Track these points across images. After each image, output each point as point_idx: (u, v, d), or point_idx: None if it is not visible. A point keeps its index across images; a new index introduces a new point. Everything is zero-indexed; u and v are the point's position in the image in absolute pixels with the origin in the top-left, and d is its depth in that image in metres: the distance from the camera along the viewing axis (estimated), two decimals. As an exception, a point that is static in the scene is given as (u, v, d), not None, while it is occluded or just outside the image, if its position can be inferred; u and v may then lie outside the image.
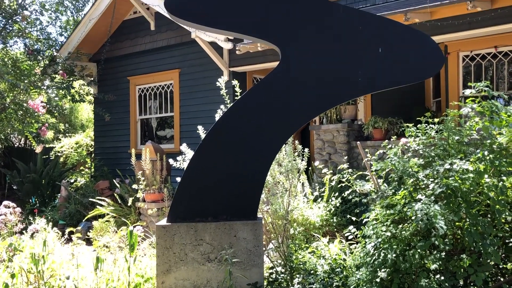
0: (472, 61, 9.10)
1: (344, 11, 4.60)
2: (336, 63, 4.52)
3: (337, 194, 7.40)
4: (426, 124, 4.29)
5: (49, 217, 10.70)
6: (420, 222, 3.49)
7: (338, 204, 7.05)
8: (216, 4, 4.46)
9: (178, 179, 4.64)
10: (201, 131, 6.00)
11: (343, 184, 6.74)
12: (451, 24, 8.00)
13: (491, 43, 8.71)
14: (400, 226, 3.87)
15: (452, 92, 9.12)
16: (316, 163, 7.86)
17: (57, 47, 14.17)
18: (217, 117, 5.68)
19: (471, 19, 7.84)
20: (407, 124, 4.45)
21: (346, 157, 8.13)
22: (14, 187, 13.75)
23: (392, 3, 10.10)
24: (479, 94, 4.39)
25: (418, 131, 4.26)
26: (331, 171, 7.73)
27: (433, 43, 4.59)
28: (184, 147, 5.96)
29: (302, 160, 6.10)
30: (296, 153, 6.12)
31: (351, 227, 5.21)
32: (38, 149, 12.38)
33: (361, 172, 6.41)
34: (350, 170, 6.10)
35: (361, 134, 9.27)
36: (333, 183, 7.63)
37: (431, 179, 3.80)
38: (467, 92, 3.60)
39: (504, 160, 3.46)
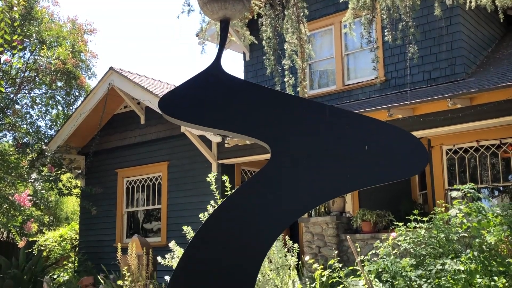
0: (455, 154, 9.31)
1: (331, 112, 4.76)
2: (324, 161, 4.60)
3: (328, 290, 7.25)
4: (415, 222, 4.33)
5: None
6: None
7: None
8: (208, 105, 4.60)
9: (166, 276, 4.53)
10: (188, 231, 5.90)
11: (334, 280, 6.63)
12: (433, 120, 8.28)
13: (473, 137, 8.97)
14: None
15: (438, 184, 9.25)
16: (307, 258, 7.78)
17: (46, 140, 14.28)
18: (206, 214, 5.66)
19: (452, 115, 8.13)
20: (397, 223, 4.49)
21: (336, 251, 8.07)
22: (-6, 283, 13.26)
23: (375, 98, 10.48)
24: (465, 188, 4.49)
25: (408, 229, 4.30)
26: (322, 266, 7.63)
27: (419, 142, 4.69)
28: (172, 244, 5.87)
29: (292, 256, 6.04)
30: (286, 249, 6.07)
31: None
32: (21, 243, 12.10)
33: (352, 268, 6.33)
34: (340, 265, 6.04)
35: (350, 227, 9.26)
36: (324, 279, 7.50)
37: (423, 279, 3.78)
38: (454, 194, 3.69)
39: (494, 260, 3.48)
